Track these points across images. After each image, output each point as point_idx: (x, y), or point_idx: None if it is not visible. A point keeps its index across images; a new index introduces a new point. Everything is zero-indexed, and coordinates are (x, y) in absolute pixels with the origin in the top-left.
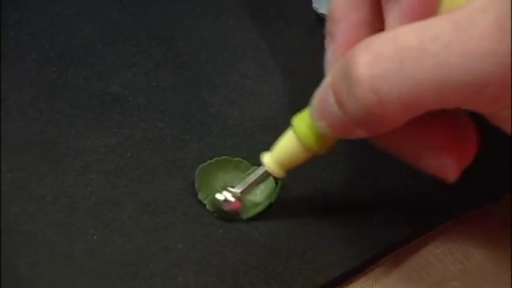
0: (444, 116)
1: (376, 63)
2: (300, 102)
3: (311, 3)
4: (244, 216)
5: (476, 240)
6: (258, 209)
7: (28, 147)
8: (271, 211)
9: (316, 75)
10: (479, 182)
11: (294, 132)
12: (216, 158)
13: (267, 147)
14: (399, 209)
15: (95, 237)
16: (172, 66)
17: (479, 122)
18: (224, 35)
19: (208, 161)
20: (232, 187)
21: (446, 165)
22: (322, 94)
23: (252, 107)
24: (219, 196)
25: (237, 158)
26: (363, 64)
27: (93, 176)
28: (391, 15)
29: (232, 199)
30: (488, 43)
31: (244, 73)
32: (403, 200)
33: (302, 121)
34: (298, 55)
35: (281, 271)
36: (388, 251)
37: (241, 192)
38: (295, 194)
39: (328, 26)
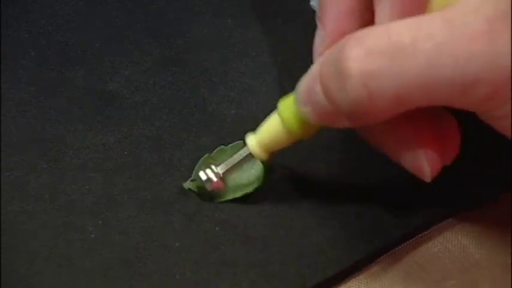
0: (428, 113)
1: (368, 58)
2: None
3: (309, 1)
4: (227, 197)
5: (474, 239)
6: (242, 192)
7: (26, 145)
8: (266, 208)
9: None
10: (477, 181)
11: (279, 116)
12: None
13: None
14: (396, 207)
15: (93, 235)
16: (171, 64)
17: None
18: (222, 33)
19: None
20: (216, 166)
21: (423, 162)
22: (310, 82)
23: (250, 105)
24: (202, 175)
25: (233, 144)
26: (355, 58)
27: (91, 175)
28: (381, 8)
29: (215, 179)
30: (480, 44)
31: (242, 71)
32: (400, 198)
33: (287, 105)
34: (297, 53)
35: (279, 268)
36: (385, 250)
37: (223, 173)
38: (291, 191)
39: (319, 12)
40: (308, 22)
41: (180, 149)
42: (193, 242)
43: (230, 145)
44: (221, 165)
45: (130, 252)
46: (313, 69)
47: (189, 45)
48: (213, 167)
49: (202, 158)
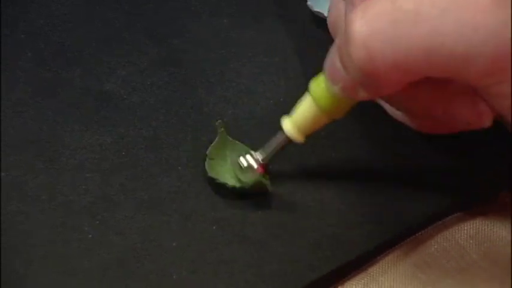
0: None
1: (371, 21)
2: (295, 101)
3: (306, 1)
4: (270, 186)
5: (472, 239)
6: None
7: (23, 146)
8: (263, 207)
9: (311, 74)
10: (475, 181)
11: (310, 96)
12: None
13: (262, 145)
14: (394, 206)
15: (90, 235)
16: (167, 64)
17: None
18: (219, 33)
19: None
20: (253, 153)
21: (482, 107)
22: (332, 55)
23: (247, 105)
24: (243, 162)
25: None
26: (359, 22)
27: (88, 175)
28: None
29: (255, 165)
30: (483, 15)
31: (239, 72)
32: (398, 197)
33: (317, 84)
34: (294, 53)
35: (275, 268)
36: (382, 249)
37: (263, 159)
38: (286, 190)
39: None
40: (305, 22)
41: (177, 149)
42: (190, 241)
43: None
44: (260, 151)
45: (127, 252)
46: (335, 44)
47: (186, 46)
48: (253, 153)
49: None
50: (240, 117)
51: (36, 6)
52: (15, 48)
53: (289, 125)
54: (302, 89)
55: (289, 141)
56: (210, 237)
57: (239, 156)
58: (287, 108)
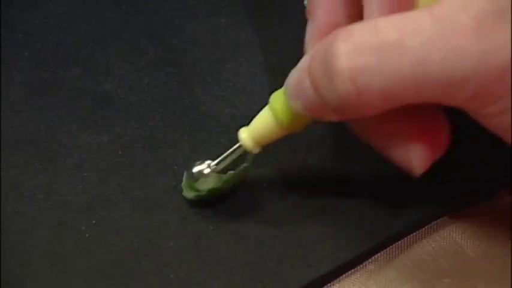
0: (417, 108)
1: (356, 54)
2: None
3: (303, 0)
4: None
5: (468, 237)
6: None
7: (20, 145)
8: (260, 206)
9: None
10: (473, 179)
11: (270, 109)
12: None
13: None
14: (391, 205)
15: (87, 235)
16: (165, 64)
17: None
18: (216, 33)
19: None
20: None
21: (413, 156)
22: (299, 76)
23: (244, 105)
24: (195, 169)
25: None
26: (343, 55)
27: (85, 174)
28: (369, 2)
29: (208, 170)
30: (468, 42)
31: (236, 71)
32: (395, 195)
33: (278, 98)
34: (290, 53)
35: (273, 266)
36: (380, 247)
37: (216, 164)
38: (282, 189)
39: (308, 5)
40: (302, 22)
41: (174, 148)
42: (188, 241)
43: None
44: (215, 161)
45: (124, 252)
46: (303, 63)
47: (184, 45)
48: (208, 162)
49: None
50: (237, 116)
51: (34, 6)
52: (13, 47)
53: (246, 135)
54: None
55: (245, 152)
56: (207, 237)
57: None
58: None
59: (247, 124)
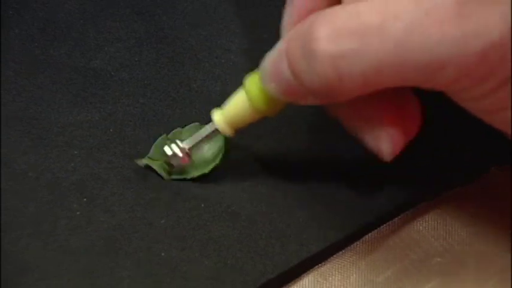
0: (389, 91)
1: (337, 38)
2: None
3: None
4: (194, 174)
5: (459, 217)
6: (206, 169)
7: (11, 123)
8: (252, 185)
9: None
10: (462, 160)
11: (245, 92)
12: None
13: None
14: (382, 185)
15: (78, 213)
16: (155, 41)
17: None
18: (207, 9)
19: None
20: (181, 142)
21: (382, 142)
22: (276, 59)
23: (235, 82)
24: (167, 150)
25: (189, 125)
26: (324, 38)
27: (76, 152)
28: None
29: (181, 154)
30: (449, 26)
31: (227, 48)
32: (386, 175)
33: (253, 81)
34: None
35: (264, 245)
36: (371, 227)
37: (189, 148)
38: (273, 168)
39: None
40: None
41: (165, 125)
42: (179, 219)
43: (186, 127)
44: (186, 141)
45: (115, 230)
46: (280, 46)
47: (174, 22)
48: (178, 142)
49: (159, 139)
50: (228, 93)
51: None
52: (3, 25)
53: (220, 117)
54: None
55: (218, 133)
56: (198, 215)
57: (165, 146)
58: None
59: None
